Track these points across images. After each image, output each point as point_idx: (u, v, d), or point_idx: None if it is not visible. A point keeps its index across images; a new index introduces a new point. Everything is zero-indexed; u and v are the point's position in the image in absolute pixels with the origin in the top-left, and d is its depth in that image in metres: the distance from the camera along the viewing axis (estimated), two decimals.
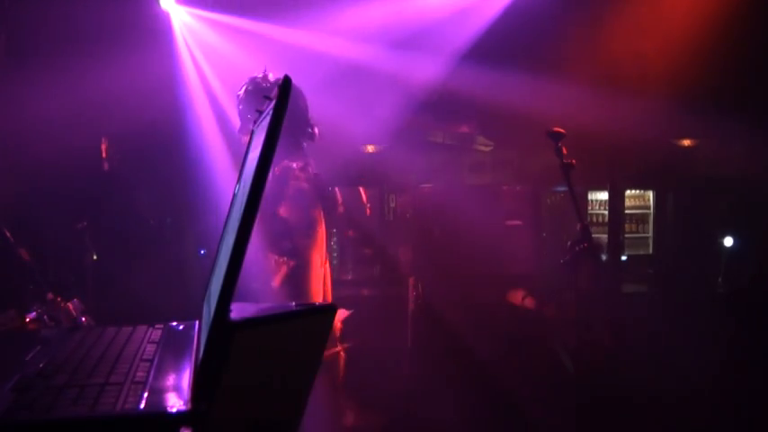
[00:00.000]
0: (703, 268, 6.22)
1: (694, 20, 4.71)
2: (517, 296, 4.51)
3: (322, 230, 2.69)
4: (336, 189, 3.67)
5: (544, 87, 4.98)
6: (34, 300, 2.69)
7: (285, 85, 0.89)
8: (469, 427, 3.73)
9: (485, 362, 4.14)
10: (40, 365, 1.02)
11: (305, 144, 2.86)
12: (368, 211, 5.48)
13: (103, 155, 4.74)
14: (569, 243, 2.89)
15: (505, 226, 5.22)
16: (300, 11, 4.70)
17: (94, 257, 3.99)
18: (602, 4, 4.80)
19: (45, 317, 2.64)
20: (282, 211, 2.70)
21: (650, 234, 7.49)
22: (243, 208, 0.88)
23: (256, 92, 2.76)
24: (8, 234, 2.73)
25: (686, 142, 6.76)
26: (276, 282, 2.61)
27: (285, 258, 2.63)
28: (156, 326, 1.26)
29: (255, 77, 2.83)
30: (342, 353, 2.80)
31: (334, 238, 5.62)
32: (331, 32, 4.74)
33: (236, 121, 2.98)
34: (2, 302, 2.68)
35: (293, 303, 0.95)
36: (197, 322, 1.23)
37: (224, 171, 3.98)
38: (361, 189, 5.51)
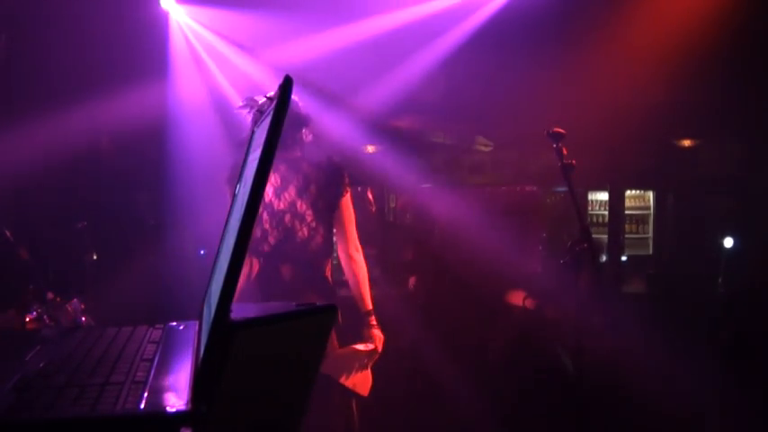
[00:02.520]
0: (703, 268, 6.22)
1: (695, 20, 4.71)
2: (518, 297, 4.50)
3: None
4: (369, 190, 3.55)
5: (544, 87, 4.98)
6: (34, 300, 2.69)
7: (286, 84, 0.89)
8: (469, 427, 3.73)
9: (485, 362, 4.14)
10: (40, 365, 1.02)
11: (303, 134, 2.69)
12: (373, 209, 5.49)
13: (103, 155, 4.74)
14: (569, 244, 2.88)
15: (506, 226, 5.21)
16: (299, 10, 4.70)
17: (94, 257, 3.99)
18: (603, 5, 4.81)
19: (45, 317, 2.64)
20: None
21: (650, 234, 7.50)
22: (243, 208, 0.88)
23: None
24: (8, 234, 2.73)
25: (686, 142, 6.77)
26: None
27: None
28: (156, 326, 1.26)
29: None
30: None
31: (335, 238, 5.62)
32: (330, 31, 4.74)
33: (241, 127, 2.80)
34: (2, 302, 2.68)
35: (294, 303, 0.95)
36: (197, 322, 1.23)
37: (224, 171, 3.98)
38: (369, 189, 5.52)
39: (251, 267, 2.62)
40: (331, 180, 2.64)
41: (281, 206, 2.60)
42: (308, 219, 2.60)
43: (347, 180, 2.68)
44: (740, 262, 6.16)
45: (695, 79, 4.94)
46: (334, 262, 2.84)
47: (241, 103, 2.63)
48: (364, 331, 2.64)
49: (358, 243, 2.69)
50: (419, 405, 4.07)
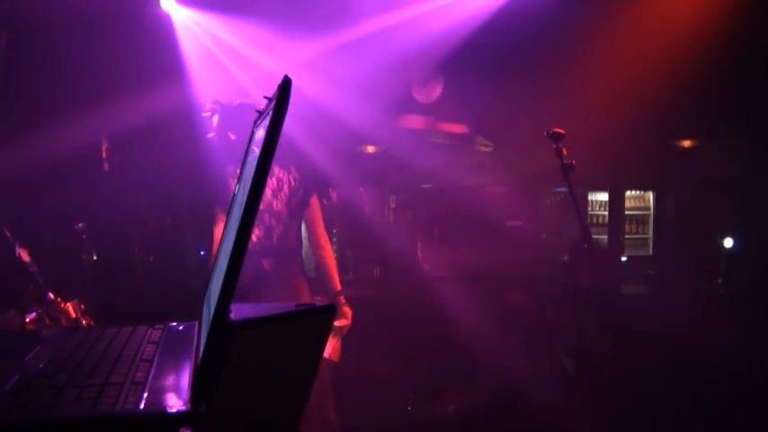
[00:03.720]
0: (703, 269, 6.21)
1: (695, 20, 4.71)
2: (518, 297, 4.51)
3: None
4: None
5: (544, 87, 4.98)
6: (34, 300, 2.70)
7: (285, 84, 0.89)
8: (469, 427, 3.73)
9: (484, 363, 4.14)
10: (40, 365, 1.02)
11: None
12: (366, 211, 5.54)
13: (103, 155, 4.74)
14: (569, 244, 2.89)
15: (506, 226, 5.21)
16: (300, 13, 4.70)
17: (94, 257, 3.99)
18: (603, 4, 4.80)
19: (45, 317, 2.64)
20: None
21: (650, 235, 7.50)
22: (243, 208, 0.88)
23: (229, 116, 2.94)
24: (8, 234, 2.73)
25: (686, 143, 6.76)
26: None
27: None
28: (156, 326, 1.26)
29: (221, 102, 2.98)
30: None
31: (335, 239, 5.63)
32: (331, 32, 4.74)
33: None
34: (2, 302, 2.68)
35: (293, 304, 0.95)
36: (197, 322, 1.23)
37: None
38: (361, 189, 5.54)
39: None
40: (300, 181, 2.99)
41: (261, 207, 2.86)
42: (284, 217, 2.94)
43: (315, 180, 3.06)
44: (740, 262, 6.16)
45: (695, 79, 4.93)
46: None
47: (208, 107, 2.94)
48: (337, 308, 2.93)
49: (326, 234, 3.08)
50: (417, 405, 4.07)
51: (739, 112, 5.69)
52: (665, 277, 6.49)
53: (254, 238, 2.88)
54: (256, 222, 2.86)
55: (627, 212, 7.34)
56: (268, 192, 2.92)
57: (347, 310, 3.01)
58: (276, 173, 2.94)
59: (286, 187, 2.94)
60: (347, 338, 3.03)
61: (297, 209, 2.98)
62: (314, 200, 3.03)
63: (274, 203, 2.92)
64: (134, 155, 4.73)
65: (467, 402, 3.85)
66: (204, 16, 4.83)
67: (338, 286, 3.04)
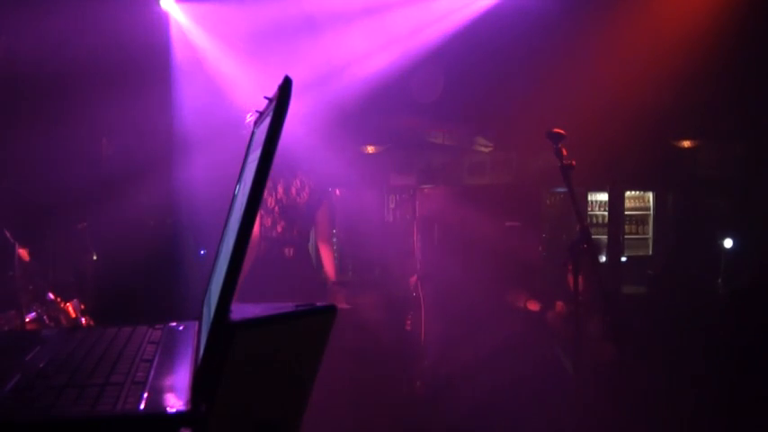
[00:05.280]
0: (703, 269, 6.21)
1: (695, 20, 4.71)
2: (519, 298, 4.50)
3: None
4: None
5: (544, 88, 4.98)
6: (34, 300, 2.70)
7: (285, 84, 0.89)
8: (469, 428, 3.73)
9: (485, 363, 4.14)
10: (40, 365, 1.02)
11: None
12: (366, 211, 5.62)
13: (103, 155, 4.74)
14: (569, 244, 2.88)
15: (506, 226, 5.21)
16: (298, 13, 4.70)
17: (94, 257, 4.00)
18: (603, 5, 4.80)
19: (45, 317, 2.65)
20: None
21: (650, 235, 7.50)
22: (243, 208, 0.88)
23: None
24: (8, 234, 2.73)
25: (686, 143, 6.77)
26: None
27: None
28: (156, 326, 1.26)
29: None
30: None
31: (335, 239, 5.63)
32: (330, 34, 4.74)
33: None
34: (2, 302, 2.68)
35: (293, 304, 0.95)
36: (197, 322, 1.23)
37: (224, 171, 3.99)
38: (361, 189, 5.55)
39: (259, 249, 3.42)
40: (319, 185, 3.50)
41: (288, 202, 3.42)
42: (304, 213, 3.46)
43: (328, 185, 3.71)
44: (740, 262, 6.16)
45: (695, 80, 4.93)
46: (336, 263, 3.83)
47: (249, 118, 3.32)
48: (335, 296, 3.53)
49: (329, 233, 3.65)
50: (418, 405, 4.07)
51: (739, 112, 5.69)
52: (665, 278, 6.48)
53: (278, 229, 3.40)
54: (282, 215, 3.39)
55: (627, 212, 7.34)
56: (293, 190, 3.43)
57: (340, 296, 3.57)
58: (300, 175, 3.43)
59: (308, 188, 3.45)
60: (344, 339, 3.20)
61: (315, 207, 3.49)
62: (326, 203, 3.54)
63: (298, 200, 3.42)
64: (134, 154, 4.73)
65: (466, 402, 3.85)
66: (203, 15, 4.83)
67: (334, 277, 3.62)
